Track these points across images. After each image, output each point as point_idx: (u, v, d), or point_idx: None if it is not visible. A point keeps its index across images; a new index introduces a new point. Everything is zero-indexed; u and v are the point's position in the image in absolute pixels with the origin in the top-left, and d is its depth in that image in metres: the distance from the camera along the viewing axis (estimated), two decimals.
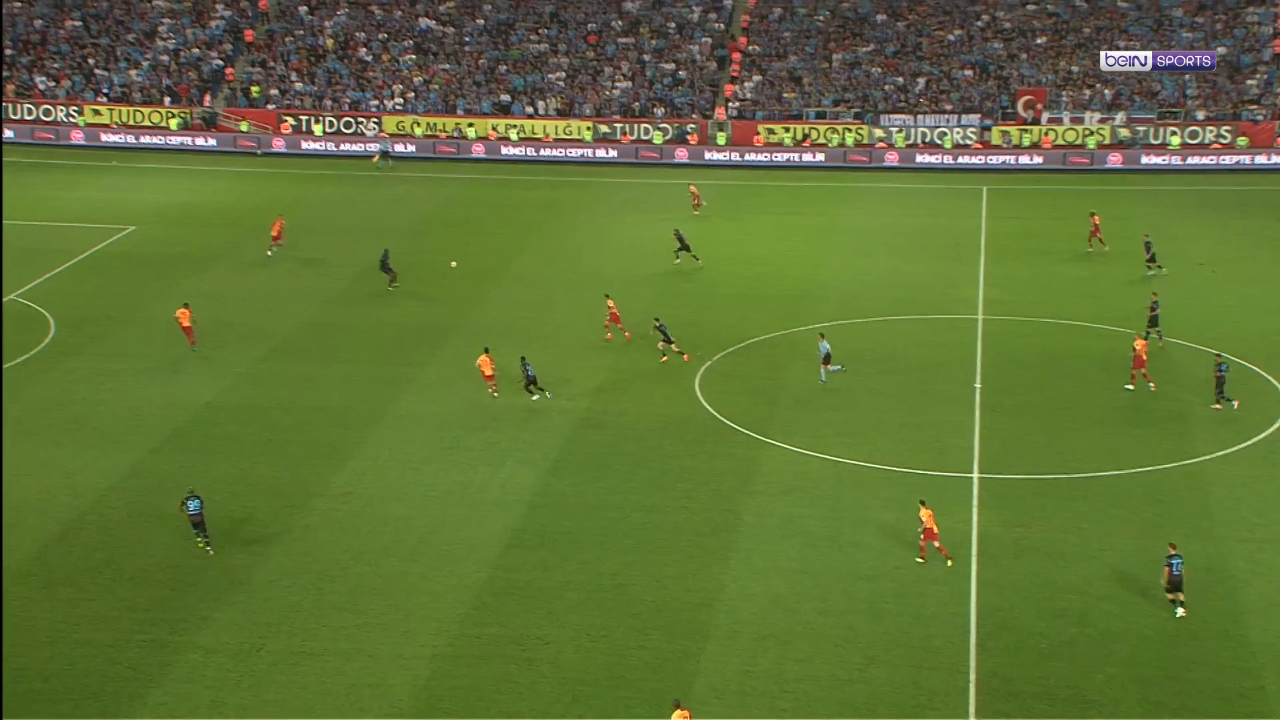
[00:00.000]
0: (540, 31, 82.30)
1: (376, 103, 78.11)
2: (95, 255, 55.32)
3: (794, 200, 66.85)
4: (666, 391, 42.03)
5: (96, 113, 76.55)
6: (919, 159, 73.11)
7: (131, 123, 76.65)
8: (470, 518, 34.26)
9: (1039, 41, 77.91)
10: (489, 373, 41.37)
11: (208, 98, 78.17)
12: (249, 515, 34.15)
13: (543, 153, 75.14)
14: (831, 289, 52.07)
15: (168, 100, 77.79)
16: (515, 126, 76.27)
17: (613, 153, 74.91)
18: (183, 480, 35.62)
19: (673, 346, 43.87)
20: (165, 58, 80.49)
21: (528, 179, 71.10)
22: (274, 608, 30.21)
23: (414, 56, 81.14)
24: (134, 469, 36.45)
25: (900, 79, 76.99)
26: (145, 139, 75.62)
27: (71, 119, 76.43)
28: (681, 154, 74.56)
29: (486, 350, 41.99)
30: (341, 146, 75.69)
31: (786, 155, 74.08)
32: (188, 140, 75.69)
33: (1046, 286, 51.76)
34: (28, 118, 76.55)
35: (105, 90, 78.16)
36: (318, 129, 76.61)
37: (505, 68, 79.91)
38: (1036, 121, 73.90)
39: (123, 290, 50.85)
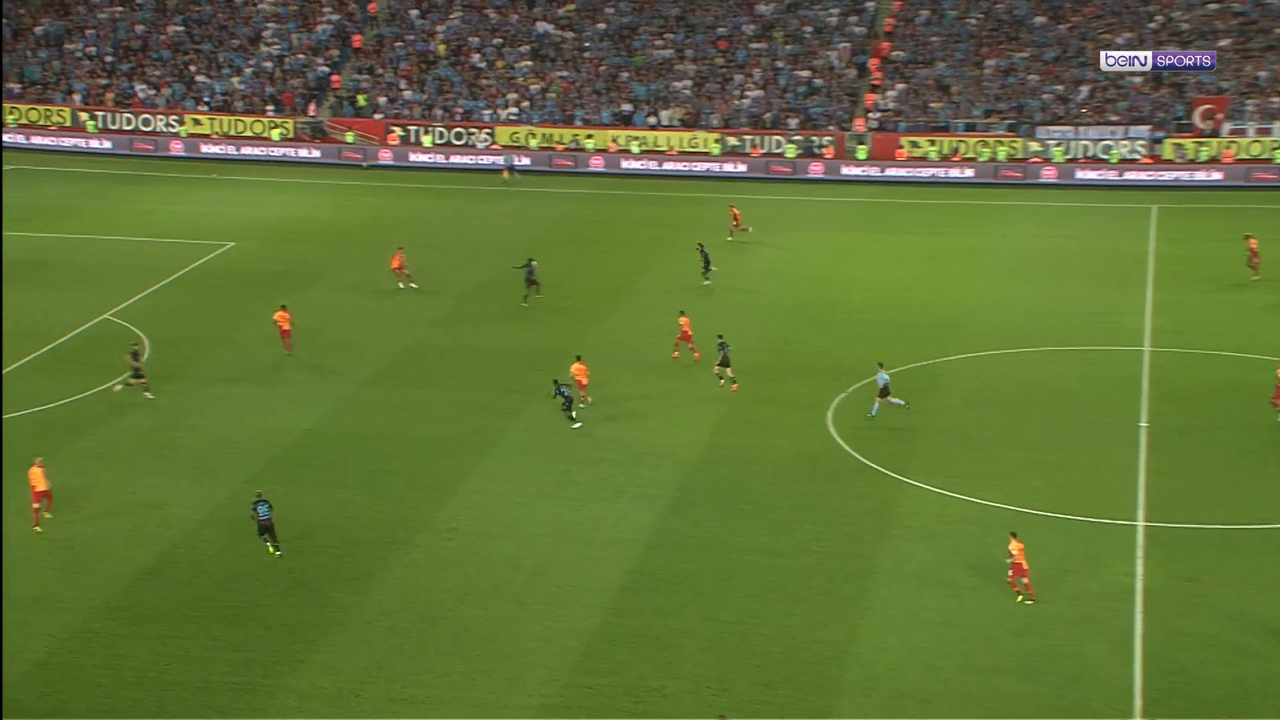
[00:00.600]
0: (666, 36, 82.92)
1: (489, 112, 79.43)
2: (192, 273, 57.06)
3: (939, 219, 66.16)
4: (795, 425, 41.87)
5: (197, 122, 79.13)
6: (1080, 175, 71.83)
7: (233, 133, 79.06)
8: (582, 558, 34.42)
9: (1222, 44, 76.03)
10: (584, 380, 42.51)
11: (312, 107, 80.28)
12: (347, 551, 34.75)
13: (666, 166, 75.54)
14: (979, 316, 51.38)
15: (270, 109, 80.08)
16: (637, 138, 76.85)
17: (741, 167, 75.00)
18: (280, 513, 36.42)
19: (728, 371, 44.25)
20: (269, 64, 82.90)
21: (649, 194, 71.49)
22: (373, 651, 30.65)
23: (530, 63, 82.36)
24: (229, 500, 37.37)
25: (1060, 87, 75.82)
26: (246, 150, 77.93)
27: (171, 129, 79.10)
28: (816, 169, 74.36)
29: (579, 358, 43.19)
30: (451, 159, 77.05)
31: (931, 171, 73.40)
32: (290, 151, 77.80)
33: (1223, 316, 50.40)
34: (126, 128, 79.41)
35: (206, 99, 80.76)
36: (427, 140, 78.12)
37: (627, 75, 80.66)
38: (1216, 134, 72.11)
39: (219, 310, 52.32)
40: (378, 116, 79.76)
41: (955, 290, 54.66)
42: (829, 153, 75.16)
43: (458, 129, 78.39)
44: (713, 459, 39.79)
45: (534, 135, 77.97)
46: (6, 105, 79.82)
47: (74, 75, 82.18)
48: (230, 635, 31.13)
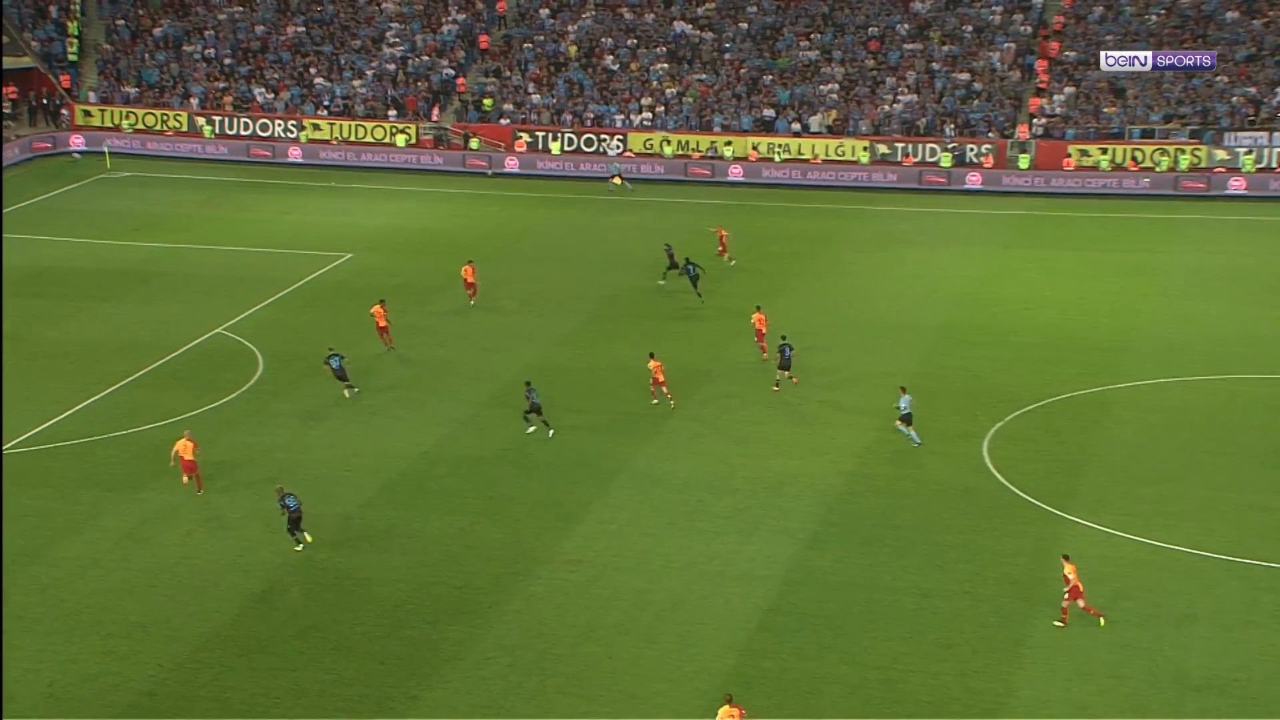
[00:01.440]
0: (812, 36, 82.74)
1: (622, 117, 79.97)
2: (308, 285, 58.33)
3: (1110, 234, 64.89)
4: (947, 455, 41.39)
5: (316, 127, 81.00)
6: (1275, 186, 69.83)
7: (353, 138, 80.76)
8: (715, 594, 34.35)
9: None
10: (660, 378, 44.65)
11: (436, 111, 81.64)
12: (465, 582, 35.14)
13: (810, 176, 75.29)
14: (1153, 339, 50.26)
15: (393, 114, 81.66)
16: (780, 146, 76.74)
17: (893, 176, 74.43)
18: (395, 540, 37.02)
19: (789, 375, 46.01)
20: (392, 66, 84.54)
21: (792, 206, 71.31)
22: (491, 689, 30.87)
23: (666, 65, 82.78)
24: (342, 525, 38.00)
25: (1253, 89, 73.80)
26: (367, 157, 79.52)
27: (290, 134, 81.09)
28: (974, 179, 73.48)
29: (653, 355, 45.13)
30: (581, 167, 77.73)
31: (1102, 181, 72.04)
32: (412, 158, 79.21)
33: None
34: (243, 133, 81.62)
35: (326, 103, 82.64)
36: (555, 147, 78.93)
37: (770, 78, 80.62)
38: None
39: (336, 324, 53.36)
40: (504, 122, 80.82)
41: (1126, 311, 53.54)
42: (988, 162, 74.21)
43: (587, 135, 79.05)
44: (857, 490, 39.53)
45: (668, 142, 78.27)
46: (123, 109, 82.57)
47: (191, 78, 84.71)
48: (342, 668, 31.61)
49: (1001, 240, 63.65)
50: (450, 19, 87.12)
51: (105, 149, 78.94)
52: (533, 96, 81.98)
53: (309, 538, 36.75)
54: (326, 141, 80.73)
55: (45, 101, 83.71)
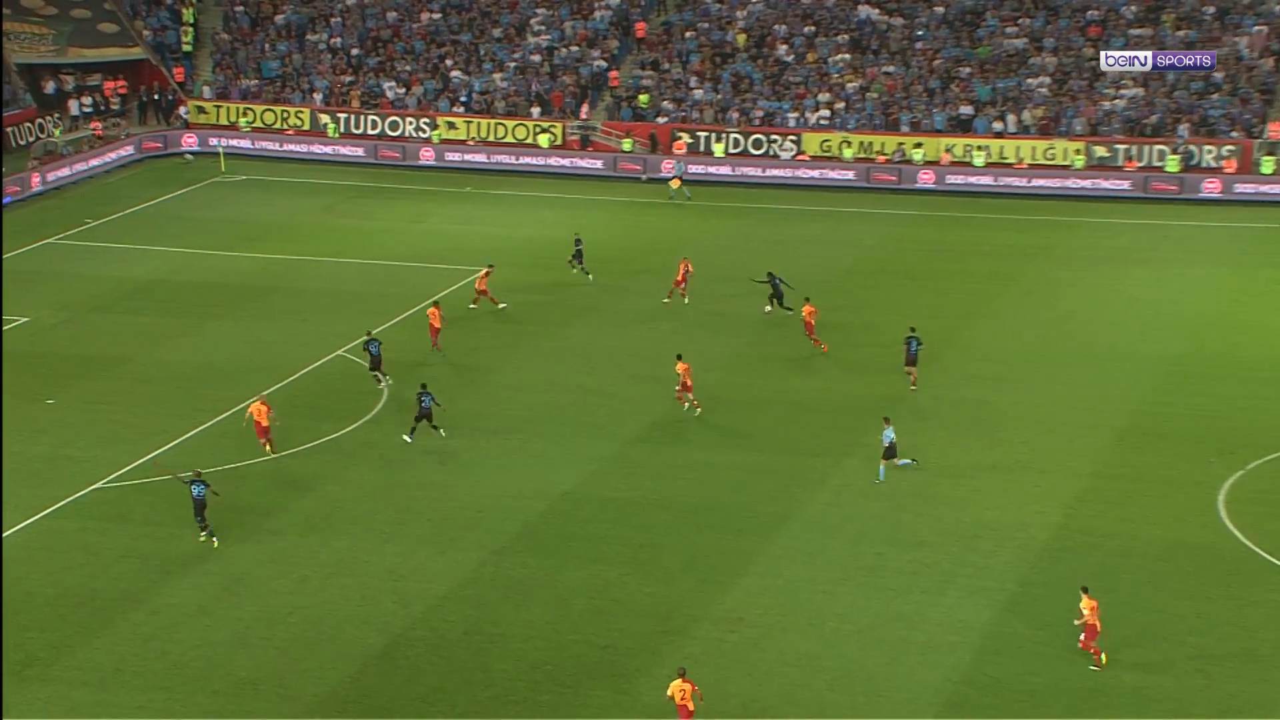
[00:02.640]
0: (1020, 21, 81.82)
1: (795, 115, 79.90)
2: (441, 302, 59.07)
3: None
4: (1175, 507, 40.57)
5: (451, 126, 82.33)
6: None
7: (492, 138, 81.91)
8: (897, 662, 34.01)
9: None
10: (689, 382, 46.76)
11: (585, 108, 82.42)
12: (611, 641, 35.22)
13: (1014, 183, 74.41)
14: None
15: (536, 111, 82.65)
16: (979, 148, 75.93)
17: (1112, 184, 73.18)
18: (532, 592, 37.26)
19: (913, 371, 48.01)
20: (537, 58, 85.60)
21: (992, 217, 70.54)
22: None
23: (848, 56, 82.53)
24: (473, 574, 38.40)
25: None
26: (506, 159, 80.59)
27: (422, 133, 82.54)
28: (1211, 186, 71.91)
29: (680, 357, 47.44)
30: (744, 171, 77.79)
31: None
32: (558, 161, 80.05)
33: None
34: (371, 132, 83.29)
35: (463, 98, 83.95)
36: (718, 149, 79.12)
37: (968, 70, 79.85)
38: None
39: (470, 346, 54.04)
40: (662, 120, 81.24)
41: None
42: (1229, 166, 72.53)
43: (756, 135, 79.10)
44: (1065, 545, 38.92)
45: (849, 144, 77.95)
46: (240, 105, 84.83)
47: (315, 71, 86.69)
48: None
49: (1243, 258, 62.02)
50: (603, 4, 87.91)
51: (220, 149, 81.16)
52: (695, 92, 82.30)
53: (207, 539, 39.04)
54: (462, 142, 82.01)
55: (157, 97, 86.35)
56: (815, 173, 76.98)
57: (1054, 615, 35.61)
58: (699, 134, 79.66)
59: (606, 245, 67.14)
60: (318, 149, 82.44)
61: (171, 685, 33.61)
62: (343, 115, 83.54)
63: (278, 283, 61.78)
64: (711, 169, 78.10)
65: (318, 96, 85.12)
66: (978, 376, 50.59)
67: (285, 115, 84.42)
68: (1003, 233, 67.86)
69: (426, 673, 34.18)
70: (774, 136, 78.90)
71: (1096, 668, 33.34)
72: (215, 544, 39.49)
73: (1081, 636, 33.66)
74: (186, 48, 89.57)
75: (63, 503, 41.88)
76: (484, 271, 57.65)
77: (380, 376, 49.56)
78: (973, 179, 74.85)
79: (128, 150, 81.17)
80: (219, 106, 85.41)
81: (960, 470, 43.50)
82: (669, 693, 31.45)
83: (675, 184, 74.22)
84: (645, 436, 46.53)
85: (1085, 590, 34.02)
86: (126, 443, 45.54)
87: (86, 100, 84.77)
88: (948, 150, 76.43)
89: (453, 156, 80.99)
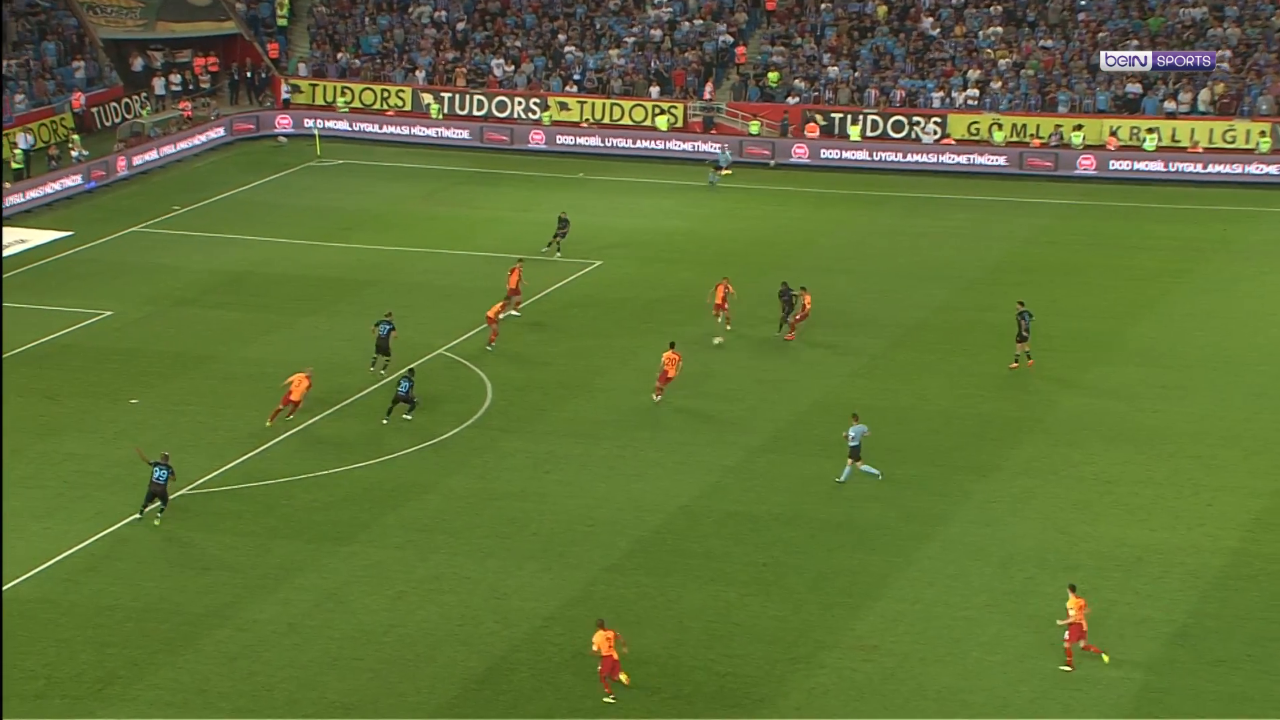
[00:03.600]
0: None
1: (941, 95, 79.36)
2: (548, 299, 59.44)
3: None
4: None
5: (564, 106, 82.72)
6: None
7: (607, 120, 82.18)
8: (1049, 698, 33.70)
9: None
10: (671, 372, 48.05)
11: (709, 88, 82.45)
12: (732, 668, 35.19)
13: (1188, 169, 73.45)
14: None
15: (655, 91, 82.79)
16: (1149, 130, 74.94)
17: None
18: (646, 613, 37.32)
19: (1025, 348, 48.61)
20: (657, 33, 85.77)
21: (1162, 207, 69.76)
22: None
23: (1000, 29, 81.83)
24: (582, 593, 38.53)
25: None
26: (622, 143, 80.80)
27: (531, 115, 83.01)
28: None
29: (674, 345, 48.63)
30: (882, 156, 77.39)
31: None
32: (678, 145, 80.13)
33: None
34: (477, 113, 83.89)
35: (576, 77, 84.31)
36: (854, 132, 78.81)
37: (1136, 43, 78.78)
38: None
39: (580, 347, 54.23)
40: (792, 101, 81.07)
41: None
42: None
43: (896, 117, 78.67)
44: (1242, 573, 38.44)
45: (999, 126, 77.30)
46: (338, 84, 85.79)
47: (418, 47, 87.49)
48: None
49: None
50: None
51: (315, 131, 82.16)
52: (829, 70, 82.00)
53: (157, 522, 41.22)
54: (575, 124, 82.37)
55: (250, 75, 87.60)
56: (962, 158, 76.42)
57: (1228, 651, 35.10)
58: (833, 115, 79.42)
59: (728, 237, 67.18)
60: (419, 131, 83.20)
61: (258, 708, 34.02)
62: (446, 95, 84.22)
63: (375, 276, 62.41)
64: (846, 154, 77.82)
65: (420, 75, 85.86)
66: (1143, 383, 50.00)
67: (385, 95, 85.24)
68: (1174, 224, 67.01)
69: (531, 699, 34.34)
70: (916, 118, 78.44)
71: (1068, 668, 34.40)
72: (157, 523, 41.38)
73: (1065, 636, 34.38)
74: (282, 22, 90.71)
75: (146, 511, 42.61)
76: (514, 267, 56.95)
77: (384, 362, 50.93)
78: (1140, 165, 73.92)
79: (218, 132, 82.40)
80: (315, 85, 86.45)
81: (1121, 486, 43.02)
82: (594, 646, 33.69)
83: (725, 172, 73.91)
84: (771, 446, 46.44)
85: (1073, 588, 34.97)
86: (212, 447, 46.25)
87: (175, 78, 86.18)
88: (1113, 133, 75.44)
89: (564, 140, 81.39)
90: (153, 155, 77.91)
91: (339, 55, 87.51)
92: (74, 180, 73.24)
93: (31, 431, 47.56)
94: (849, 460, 43.51)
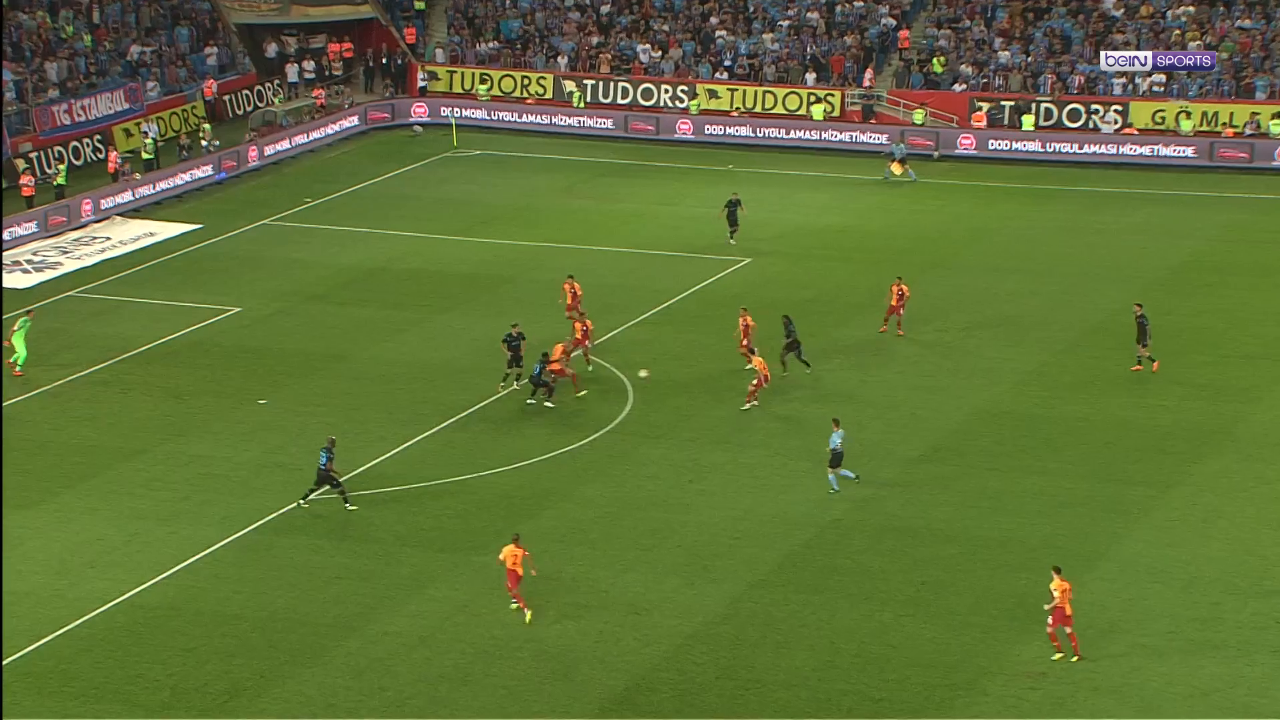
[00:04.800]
0: None
1: (1122, 81, 78.37)
2: (693, 297, 59.55)
3: None
4: None
5: (713, 94, 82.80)
6: None
7: (759, 109, 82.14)
8: None
9: None
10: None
11: (869, 74, 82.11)
12: (887, 693, 35.07)
13: None
14: None
15: (811, 77, 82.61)
16: None
17: None
18: (796, 633, 37.28)
19: (1146, 352, 48.55)
20: (814, 15, 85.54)
21: None
22: None
23: (1191, 8, 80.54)
24: (727, 610, 38.53)
25: None
26: (774, 133, 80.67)
27: (679, 103, 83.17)
28: None
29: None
30: (1057, 147, 76.67)
31: None
32: (834, 135, 79.88)
33: None
34: (621, 101, 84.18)
35: (727, 63, 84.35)
36: (1027, 121, 78.08)
37: None
38: None
39: (726, 349, 54.22)
40: (958, 88, 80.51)
41: None
42: None
43: (1073, 105, 77.86)
44: None
45: (1187, 115, 76.20)
46: (477, 70, 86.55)
47: (560, 31, 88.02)
48: None
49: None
50: None
51: (452, 121, 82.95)
52: (999, 54, 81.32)
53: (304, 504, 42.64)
54: (725, 113, 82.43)
55: (385, 61, 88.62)
56: (1145, 149, 75.47)
57: None
58: (1003, 104, 78.79)
59: (887, 234, 66.89)
60: (561, 120, 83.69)
61: None
62: (589, 82, 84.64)
63: (513, 272, 62.90)
64: (1017, 144, 77.18)
65: (562, 61, 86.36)
66: None
67: (525, 82, 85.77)
68: None
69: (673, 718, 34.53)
70: (1095, 106, 77.60)
71: (1060, 655, 35.56)
72: (352, 508, 42.99)
73: (1049, 621, 35.52)
74: (419, 5, 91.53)
75: (273, 516, 43.30)
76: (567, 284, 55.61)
77: (515, 379, 50.56)
78: None
79: (352, 121, 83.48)
80: (453, 72, 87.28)
81: None
82: (500, 557, 37.23)
83: (897, 167, 73.53)
84: (929, 457, 46.22)
85: (1058, 570, 35.93)
86: (343, 450, 46.70)
87: (309, 65, 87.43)
88: None
89: (713, 130, 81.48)
90: (285, 145, 79.13)
91: (479, 42, 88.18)
92: (204, 171, 74.61)
93: (158, 431, 48.56)
94: (830, 469, 43.90)
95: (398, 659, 36.69)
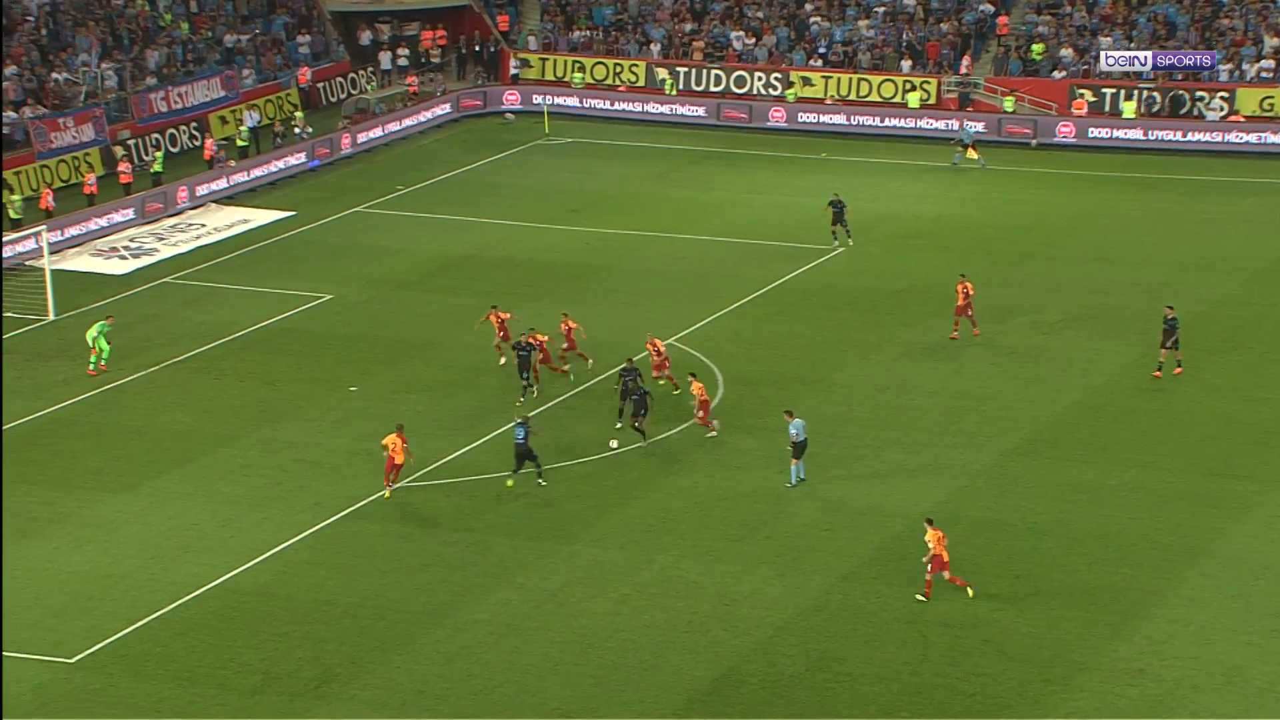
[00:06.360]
0: None
1: (1229, 67, 77.52)
2: (785, 287, 59.43)
3: None
4: None
5: (807, 82, 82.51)
6: None
7: (853, 96, 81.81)
8: None
9: None
10: (704, 400, 46.65)
11: (967, 61, 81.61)
12: (980, 688, 34.93)
13: None
14: None
15: (907, 65, 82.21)
16: None
17: None
18: (885, 625, 37.21)
19: (1177, 355, 48.55)
20: (910, 1, 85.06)
21: None
22: None
23: None
24: (818, 602, 38.49)
25: None
26: (869, 121, 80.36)
27: (772, 90, 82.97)
28: None
29: (695, 375, 48.23)
30: (1160, 135, 76.04)
31: None
32: (929, 123, 79.45)
33: None
34: (714, 89, 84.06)
35: (822, 50, 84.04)
36: (1128, 108, 77.44)
37: None
38: None
39: (818, 339, 54.15)
40: (1058, 75, 79.87)
41: None
42: None
43: (1177, 92, 77.06)
44: None
45: None
46: (570, 58, 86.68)
47: (653, 18, 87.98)
48: None
49: None
50: None
51: (544, 108, 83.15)
52: (1102, 39, 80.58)
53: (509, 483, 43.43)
54: (819, 100, 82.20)
55: (478, 49, 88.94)
56: (1252, 136, 74.74)
57: None
58: (1103, 91, 78.09)
59: (982, 223, 66.55)
60: (653, 108, 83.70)
61: (477, 711, 34.61)
62: (682, 69, 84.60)
63: (603, 261, 63.02)
64: (1118, 132, 76.60)
65: (655, 48, 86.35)
66: None
67: (618, 69, 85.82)
68: None
69: (761, 713, 34.43)
70: (1200, 93, 76.82)
71: (924, 599, 37.62)
72: (543, 482, 44.21)
73: (928, 569, 37.44)
74: None
75: (363, 503, 43.59)
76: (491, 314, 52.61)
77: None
78: None
79: (444, 109, 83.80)
80: (545, 59, 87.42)
81: None
82: (383, 442, 42.00)
83: (971, 152, 73.02)
84: (1025, 449, 45.97)
85: (930, 521, 37.94)
86: (432, 438, 47.10)
87: (402, 52, 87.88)
88: None
89: (806, 118, 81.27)
90: (377, 133, 79.56)
91: (572, 29, 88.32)
92: (298, 158, 75.15)
93: (251, 417, 49.01)
94: (792, 461, 43.87)
95: (486, 647, 36.89)
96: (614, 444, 46.45)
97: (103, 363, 51.83)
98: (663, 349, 49.89)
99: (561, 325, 51.13)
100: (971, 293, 53.14)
